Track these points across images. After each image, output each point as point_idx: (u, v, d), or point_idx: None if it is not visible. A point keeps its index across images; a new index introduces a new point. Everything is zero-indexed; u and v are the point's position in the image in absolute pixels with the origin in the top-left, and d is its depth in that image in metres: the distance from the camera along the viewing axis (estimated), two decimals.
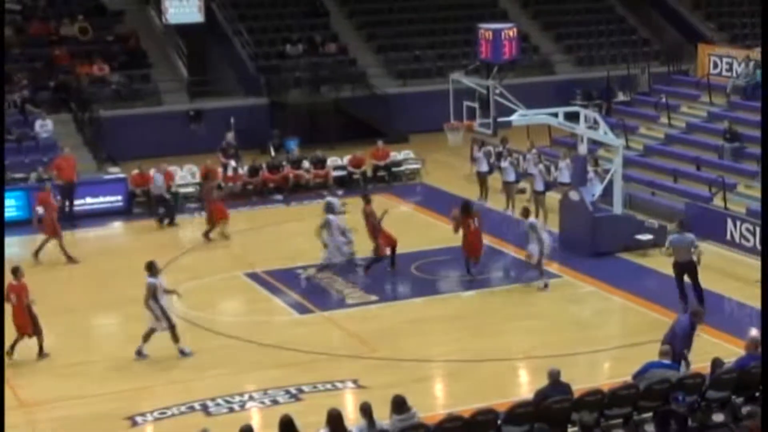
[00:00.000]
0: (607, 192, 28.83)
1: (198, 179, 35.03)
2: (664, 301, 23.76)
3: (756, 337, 18.08)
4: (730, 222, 28.50)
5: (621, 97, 41.67)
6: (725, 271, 26.48)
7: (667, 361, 17.88)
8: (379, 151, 37.05)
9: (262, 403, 19.98)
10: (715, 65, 36.64)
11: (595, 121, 29.14)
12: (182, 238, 30.95)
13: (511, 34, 28.13)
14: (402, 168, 37.49)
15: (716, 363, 17.86)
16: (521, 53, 30.65)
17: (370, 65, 44.97)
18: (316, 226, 26.48)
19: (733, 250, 28.02)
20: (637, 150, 34.89)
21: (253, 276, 27.18)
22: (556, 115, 28.92)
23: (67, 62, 41.24)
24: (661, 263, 24.06)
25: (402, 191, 35.82)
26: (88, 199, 33.31)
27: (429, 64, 44.86)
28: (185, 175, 35.32)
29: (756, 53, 34.27)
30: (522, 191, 33.22)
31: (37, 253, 28.89)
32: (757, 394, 16.59)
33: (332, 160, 36.88)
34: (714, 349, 19.96)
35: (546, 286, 25.67)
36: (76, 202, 32.92)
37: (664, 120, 36.06)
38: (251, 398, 20.19)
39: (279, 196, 35.00)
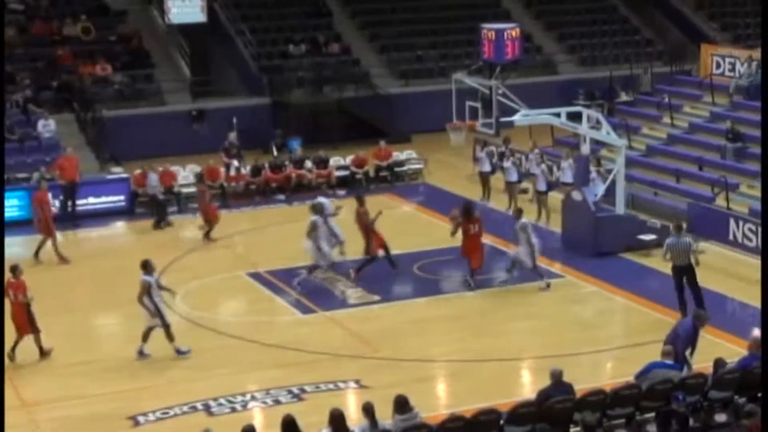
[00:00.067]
0: (610, 192, 28.83)
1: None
2: (666, 301, 23.73)
3: (758, 337, 18.07)
4: (732, 222, 28.48)
5: (624, 97, 41.62)
6: (728, 271, 26.48)
7: (669, 362, 17.89)
8: (382, 151, 37.03)
9: (265, 403, 19.98)
10: (718, 65, 36.61)
11: (598, 121, 29.13)
12: (184, 239, 30.93)
13: (513, 34, 28.14)
14: (404, 168, 37.47)
15: (719, 363, 17.86)
16: (524, 53, 30.62)
17: (372, 65, 44.96)
18: (307, 230, 26.29)
19: (736, 250, 28.01)
20: (639, 150, 34.89)
21: (256, 276, 27.19)
22: (558, 115, 28.94)
23: (69, 62, 41.25)
24: (664, 263, 24.03)
25: (404, 191, 35.81)
26: (91, 199, 33.30)
27: (432, 64, 44.85)
28: (188, 175, 35.29)
29: (759, 53, 34.24)
30: (524, 191, 33.23)
31: (37, 253, 28.90)
32: (760, 394, 16.56)
33: (335, 160, 36.87)
34: (716, 349, 19.94)
35: (548, 286, 25.66)
36: (79, 202, 32.92)
37: (666, 120, 36.05)
38: (253, 398, 20.19)
39: (281, 196, 35.00)
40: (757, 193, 29.30)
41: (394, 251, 27.59)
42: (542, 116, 29.27)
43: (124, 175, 34.41)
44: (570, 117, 28.88)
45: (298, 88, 42.77)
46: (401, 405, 15.84)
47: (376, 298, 25.57)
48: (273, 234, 31.27)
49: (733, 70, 35.88)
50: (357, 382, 20.74)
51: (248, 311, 25.51)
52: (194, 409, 19.68)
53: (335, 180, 36.12)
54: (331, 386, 20.58)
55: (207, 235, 30.44)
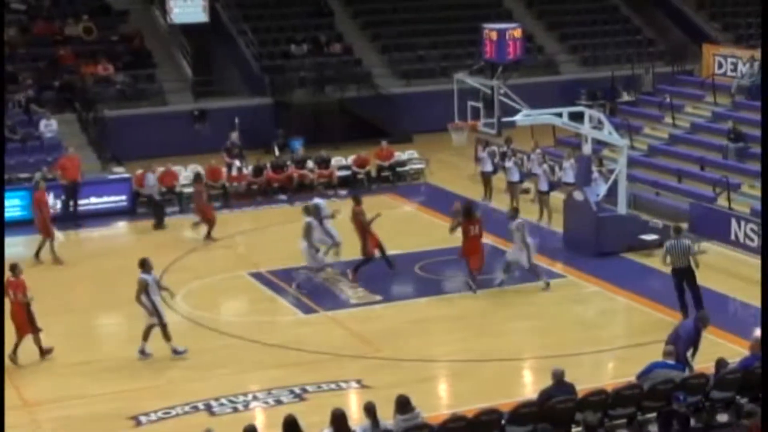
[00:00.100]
0: (612, 192, 28.84)
1: (203, 179, 35.04)
2: (668, 302, 23.71)
3: (760, 337, 18.06)
4: (734, 222, 28.48)
5: (625, 97, 41.67)
6: (729, 271, 26.48)
7: (671, 362, 17.89)
8: (384, 151, 37.03)
9: (266, 403, 19.99)
10: (720, 65, 36.63)
11: (600, 121, 29.13)
12: (186, 239, 30.91)
13: (515, 34, 28.18)
14: (406, 168, 37.47)
15: (720, 363, 17.85)
16: (526, 53, 30.64)
17: (374, 65, 44.96)
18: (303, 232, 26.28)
19: (737, 250, 28.01)
20: (641, 150, 34.89)
21: (257, 276, 27.18)
22: (560, 115, 28.93)
23: (71, 62, 41.26)
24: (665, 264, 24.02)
25: (406, 191, 35.82)
26: (93, 199, 33.31)
27: (433, 64, 44.85)
28: (189, 175, 35.26)
29: (760, 53, 34.24)
30: (526, 191, 33.24)
31: (38, 253, 28.91)
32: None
33: (336, 160, 36.87)
34: (718, 349, 19.93)
35: (548, 285, 25.65)
36: (81, 202, 32.93)
37: (668, 120, 36.06)
38: (255, 398, 20.20)
39: (283, 196, 35.00)
40: (759, 193, 29.29)
41: (395, 251, 27.60)
42: (544, 116, 29.27)
43: (126, 175, 34.43)
44: (572, 117, 28.88)
45: (300, 88, 42.77)
46: (403, 405, 15.84)
47: (378, 298, 25.57)
48: (275, 234, 31.26)
49: (734, 70, 35.91)
50: (358, 382, 20.74)
51: (250, 311, 25.52)
52: (196, 409, 19.68)
53: (337, 180, 36.12)
54: (332, 386, 20.58)
55: (209, 235, 30.44)
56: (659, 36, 49.27)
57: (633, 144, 33.99)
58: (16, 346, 21.89)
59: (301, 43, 44.42)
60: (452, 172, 37.06)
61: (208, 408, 19.69)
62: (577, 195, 28.63)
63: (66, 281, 27.69)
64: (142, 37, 43.54)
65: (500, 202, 32.91)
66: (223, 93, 43.00)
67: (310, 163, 36.29)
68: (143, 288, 21.85)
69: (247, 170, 35.72)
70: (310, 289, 26.01)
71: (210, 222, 30.56)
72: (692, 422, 16.75)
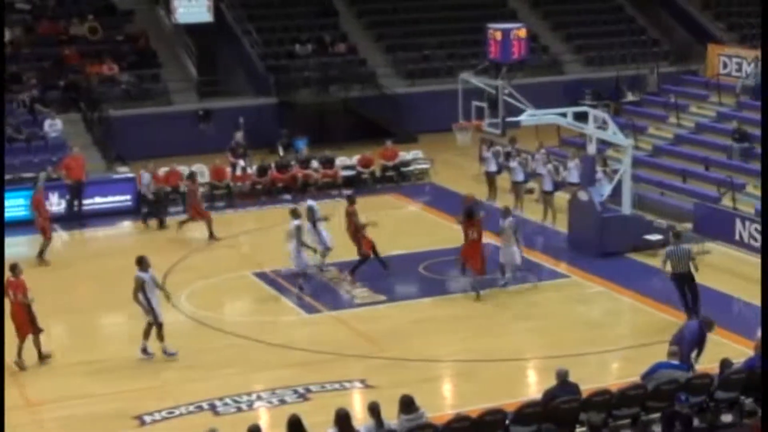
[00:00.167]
0: (616, 192, 28.82)
1: (207, 179, 35.12)
2: (672, 302, 23.69)
3: None
4: (738, 222, 28.46)
5: (630, 97, 41.63)
6: (734, 271, 26.46)
7: (675, 362, 17.87)
8: (388, 151, 37.05)
9: (270, 402, 19.99)
10: (725, 65, 36.60)
11: (604, 122, 29.11)
12: (190, 238, 30.92)
13: (520, 34, 28.14)
14: (411, 168, 37.46)
15: (725, 363, 17.83)
16: (530, 53, 30.65)
17: (379, 65, 44.96)
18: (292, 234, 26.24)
19: (742, 250, 27.98)
20: (646, 150, 34.87)
21: (261, 275, 27.17)
22: (565, 115, 28.91)
23: (76, 62, 41.30)
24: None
25: (411, 191, 35.82)
26: (97, 199, 33.36)
27: (438, 64, 44.85)
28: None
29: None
30: (530, 191, 33.22)
31: (41, 254, 28.91)
32: None
33: (341, 160, 36.88)
34: (722, 349, 19.91)
35: (538, 279, 25.59)
36: (85, 201, 32.97)
37: (673, 120, 36.03)
38: (259, 398, 20.21)
39: (288, 196, 34.98)
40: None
41: (400, 251, 27.63)
42: (548, 116, 29.25)
43: (131, 175, 34.43)
44: (576, 117, 28.87)
45: (305, 88, 42.79)
46: (407, 405, 15.83)
47: (382, 298, 25.57)
48: (279, 234, 30.98)
49: (739, 70, 35.89)
50: (363, 381, 20.74)
51: (254, 311, 25.52)
52: (200, 408, 19.69)
53: (341, 180, 36.13)
54: (336, 386, 20.59)
55: (211, 235, 30.44)
56: (664, 36, 49.23)
57: (637, 144, 33.95)
58: (20, 349, 21.78)
59: (306, 43, 44.43)
60: (456, 172, 37.04)
61: (212, 408, 19.70)
62: (582, 195, 28.61)
63: (70, 281, 27.72)
64: (147, 37, 43.58)
65: (504, 202, 32.83)
66: (227, 93, 43.03)
67: (314, 163, 36.31)
68: (140, 286, 21.81)
69: (252, 170, 35.73)
70: (315, 289, 26.02)
71: (207, 220, 30.58)
72: (696, 422, 16.74)
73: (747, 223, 28.15)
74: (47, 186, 32.39)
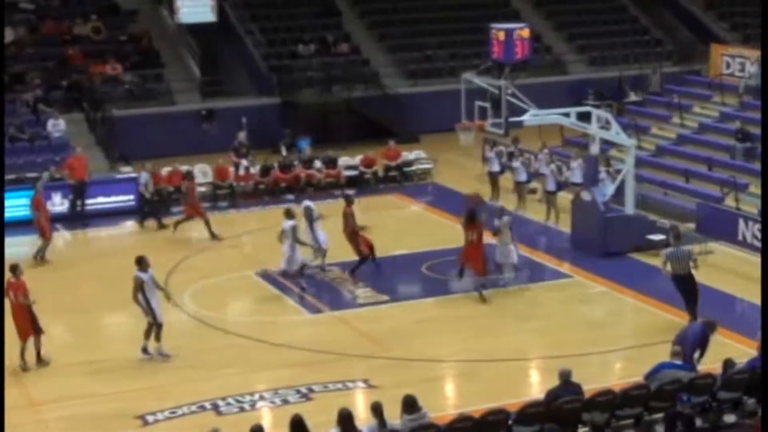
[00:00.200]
0: (619, 192, 28.80)
1: (210, 179, 35.15)
2: (675, 302, 23.63)
3: None
4: (741, 222, 28.43)
5: (633, 97, 41.62)
6: (737, 272, 26.44)
7: (678, 362, 17.86)
8: (391, 151, 37.06)
9: (273, 402, 19.98)
10: (728, 65, 36.59)
11: (607, 122, 29.10)
12: (194, 238, 30.93)
13: (523, 34, 28.13)
14: (413, 168, 37.47)
15: (728, 363, 17.82)
16: (533, 53, 30.62)
17: (381, 65, 44.96)
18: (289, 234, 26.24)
19: (745, 250, 27.96)
20: (649, 150, 34.87)
21: (264, 275, 27.18)
22: (568, 115, 28.91)
23: (80, 62, 41.33)
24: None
25: (413, 191, 35.82)
26: (100, 199, 33.36)
27: (441, 63, 44.85)
28: (197, 174, 35.31)
29: None
30: (533, 191, 33.21)
31: (43, 255, 28.91)
32: None
33: (344, 160, 36.88)
34: (725, 349, 19.89)
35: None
36: (88, 201, 32.99)
37: (676, 120, 36.03)
38: (262, 398, 20.20)
39: (290, 196, 34.97)
40: None
41: (402, 251, 27.66)
42: (551, 116, 29.25)
43: (134, 175, 34.38)
44: (579, 117, 28.87)
45: (308, 88, 42.80)
46: (410, 405, 15.84)
47: (385, 297, 25.55)
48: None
49: (742, 70, 35.86)
50: (365, 381, 20.73)
51: (256, 311, 25.51)
52: (203, 408, 19.69)
53: (344, 180, 36.13)
54: (339, 386, 20.58)
55: (212, 235, 30.46)
56: (667, 36, 49.21)
57: (641, 144, 33.92)
58: (23, 351, 21.72)
59: (309, 43, 44.44)
60: (459, 172, 37.03)
61: (215, 407, 19.70)
62: (585, 195, 28.60)
63: (73, 281, 27.74)
64: (150, 36, 43.61)
65: (507, 202, 32.86)
66: (230, 93, 43.02)
67: (317, 163, 36.32)
68: (139, 286, 21.73)
69: (255, 170, 35.74)
70: (318, 289, 26.03)
71: (204, 219, 30.60)
72: (699, 422, 16.72)
73: (750, 223, 28.12)
74: (50, 186, 32.47)
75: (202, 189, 34.81)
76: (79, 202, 32.86)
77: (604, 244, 27.87)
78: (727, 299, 24.49)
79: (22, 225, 29.93)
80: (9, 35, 41.30)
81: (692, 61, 43.97)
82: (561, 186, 31.61)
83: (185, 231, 31.00)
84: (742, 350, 20.36)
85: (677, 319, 22.70)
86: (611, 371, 21.41)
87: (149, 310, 21.80)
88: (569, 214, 29.55)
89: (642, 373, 17.84)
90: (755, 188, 30.44)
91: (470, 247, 25.14)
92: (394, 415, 15.83)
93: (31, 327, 21.68)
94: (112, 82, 41.02)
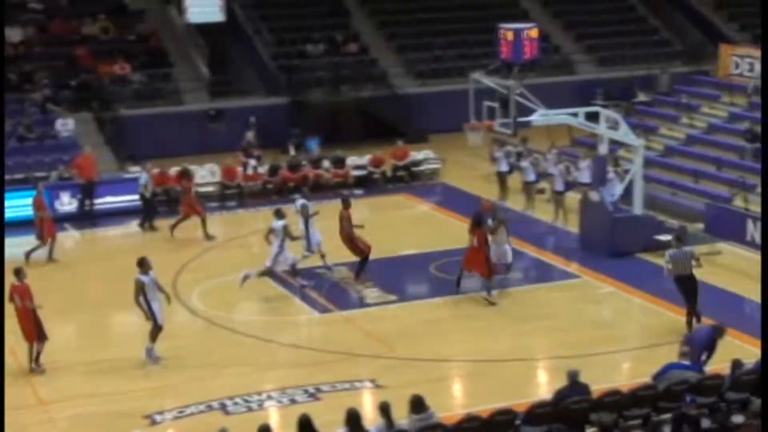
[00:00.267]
0: (628, 192, 28.77)
1: (219, 179, 35.18)
2: (683, 302, 23.60)
3: None
4: (750, 223, 28.38)
5: (642, 97, 41.56)
6: (745, 272, 26.38)
7: (686, 362, 17.84)
8: (399, 151, 37.05)
9: (280, 402, 19.99)
10: (737, 65, 36.53)
11: (616, 122, 29.06)
12: (201, 238, 30.93)
13: (531, 33, 28.09)
14: (422, 168, 37.45)
15: (736, 364, 17.80)
16: (542, 53, 30.58)
17: (390, 65, 44.96)
18: (293, 235, 26.17)
19: (753, 250, 27.87)
20: (657, 150, 34.83)
21: (272, 275, 27.15)
22: (576, 115, 28.88)
23: (88, 61, 41.38)
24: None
25: (421, 191, 35.81)
26: (109, 198, 33.37)
27: (449, 63, 44.84)
28: (205, 174, 35.40)
29: None
30: (542, 191, 33.19)
31: (51, 254, 28.95)
32: None
33: (352, 160, 36.87)
34: (733, 350, 19.85)
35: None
36: (97, 200, 33.02)
37: (685, 120, 35.97)
38: (269, 397, 20.20)
39: (297, 195, 34.93)
40: None
41: (410, 251, 27.64)
42: (560, 116, 29.22)
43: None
44: (588, 117, 28.84)
45: (316, 87, 42.81)
46: (417, 405, 15.83)
47: (393, 297, 25.55)
48: None
49: (751, 70, 35.80)
50: (373, 381, 20.73)
51: (264, 310, 25.50)
52: (210, 408, 19.69)
53: (352, 179, 36.13)
54: (347, 386, 20.58)
55: (206, 235, 30.57)
56: (676, 36, 49.14)
57: (649, 144, 33.86)
58: (30, 353, 21.63)
59: (318, 43, 44.45)
60: (468, 172, 37.03)
61: (223, 407, 19.70)
62: (593, 195, 28.58)
63: (81, 280, 27.78)
64: (158, 36, 43.67)
65: (516, 203, 32.88)
66: (239, 92, 43.04)
67: (325, 163, 36.32)
68: (140, 289, 21.59)
69: (263, 169, 35.74)
70: (326, 289, 26.05)
71: (201, 218, 30.65)
72: (707, 423, 16.70)
73: (758, 224, 28.05)
74: (59, 185, 32.54)
75: (210, 189, 34.91)
76: (87, 202, 32.91)
77: (613, 244, 27.84)
78: (735, 300, 24.45)
79: (29, 225, 29.88)
80: (18, 35, 41.41)
81: (701, 61, 43.92)
82: (569, 186, 31.59)
83: (192, 231, 31.00)
84: (750, 351, 20.36)
85: (685, 319, 22.63)
86: (619, 371, 21.39)
87: (150, 314, 21.69)
88: (577, 214, 29.53)
89: (650, 373, 17.83)
90: None
91: (472, 251, 25.03)
92: (401, 415, 15.82)
93: (35, 331, 21.48)
94: (120, 82, 41.08)
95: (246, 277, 25.47)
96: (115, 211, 33.18)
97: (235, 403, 19.82)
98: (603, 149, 29.03)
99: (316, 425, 15.35)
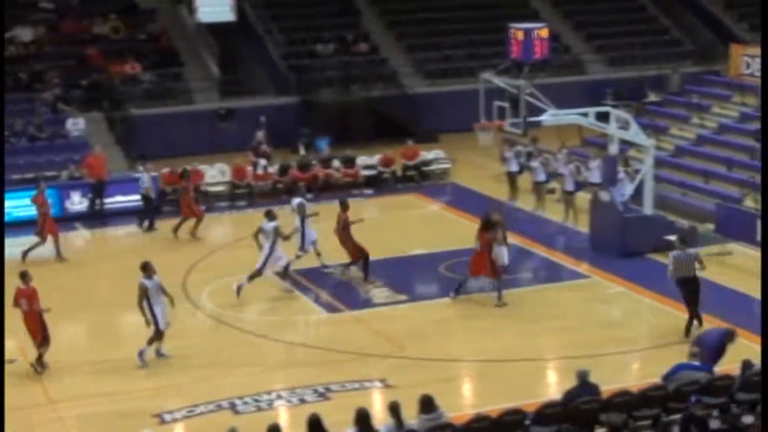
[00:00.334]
0: (638, 192, 28.74)
1: (228, 178, 35.20)
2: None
3: None
4: (760, 223, 28.30)
5: (652, 97, 41.50)
6: (755, 273, 26.20)
7: (696, 363, 17.81)
8: (409, 151, 37.04)
9: (290, 401, 19.99)
10: (748, 66, 36.45)
11: (627, 122, 29.03)
12: (210, 238, 30.98)
13: (542, 33, 28.07)
14: (432, 167, 37.44)
15: (746, 365, 17.77)
16: (552, 53, 30.55)
17: (400, 64, 44.95)
18: (285, 234, 26.15)
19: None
20: (668, 150, 34.78)
21: (282, 274, 27.15)
22: (586, 115, 28.85)
23: (99, 61, 41.43)
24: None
25: (432, 191, 35.79)
26: (119, 198, 33.40)
27: (459, 63, 44.81)
28: (215, 174, 35.44)
29: None
30: (552, 191, 33.15)
31: (58, 253, 28.98)
32: None
33: (362, 159, 36.87)
34: (743, 350, 19.80)
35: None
36: (107, 200, 33.06)
37: (695, 120, 35.92)
38: (279, 397, 20.21)
39: (309, 195, 34.93)
40: None
41: (420, 251, 27.65)
42: (570, 116, 29.18)
43: (153, 174, 34.43)
44: (598, 117, 28.80)
45: (326, 87, 42.81)
46: (427, 404, 15.82)
47: (403, 297, 25.55)
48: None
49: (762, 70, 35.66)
50: (382, 381, 20.72)
51: (274, 310, 25.49)
52: (220, 407, 19.71)
53: (362, 179, 36.12)
54: (356, 385, 20.58)
55: (190, 232, 30.61)
56: (687, 36, 49.05)
57: (660, 144, 33.80)
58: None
59: (328, 43, 44.46)
60: (478, 172, 37.02)
61: (232, 406, 19.71)
62: (603, 195, 28.55)
63: (91, 278, 27.83)
64: (169, 36, 43.71)
65: (526, 202, 32.85)
66: (249, 92, 43.04)
67: (335, 162, 36.33)
68: (143, 293, 21.51)
69: (273, 169, 35.76)
70: (335, 288, 26.05)
71: (198, 219, 30.66)
72: (717, 424, 16.66)
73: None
74: (69, 185, 32.62)
75: (220, 188, 34.95)
76: (98, 201, 32.97)
77: (623, 244, 27.81)
78: (745, 300, 24.37)
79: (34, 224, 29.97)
80: (28, 34, 41.49)
81: (712, 61, 43.84)
82: (579, 186, 31.56)
83: (199, 231, 31.00)
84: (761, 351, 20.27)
85: (686, 323, 22.57)
86: (629, 372, 21.36)
87: (152, 319, 21.59)
88: (587, 214, 29.50)
89: (660, 373, 17.81)
90: None
91: (476, 256, 24.95)
92: (411, 415, 15.81)
93: (41, 334, 21.39)
94: (131, 81, 41.13)
95: (240, 288, 25.37)
96: (125, 211, 33.18)
97: (245, 403, 19.83)
98: (613, 149, 29.00)
99: (325, 425, 15.35)
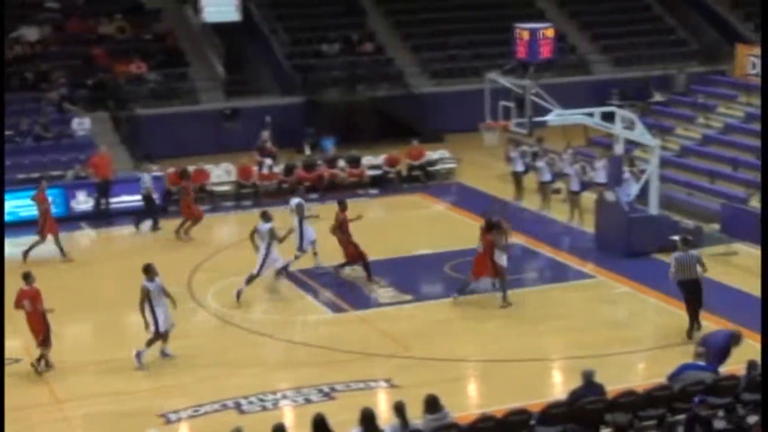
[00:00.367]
0: (643, 192, 28.72)
1: (234, 178, 35.22)
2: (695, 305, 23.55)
3: None
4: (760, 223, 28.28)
5: (658, 97, 41.46)
6: (761, 273, 26.28)
7: (702, 363, 17.79)
8: (415, 150, 37.02)
9: (295, 401, 20.00)
10: (753, 66, 36.40)
11: (632, 122, 29.01)
12: (216, 237, 30.98)
13: (547, 33, 28.09)
14: (437, 167, 37.42)
15: (751, 365, 17.74)
16: (557, 53, 30.53)
17: (406, 64, 44.93)
18: (281, 235, 26.14)
19: None
20: (673, 150, 34.75)
21: (287, 274, 27.16)
22: (592, 115, 28.83)
23: (104, 61, 41.44)
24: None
25: (437, 191, 35.78)
26: (124, 197, 33.39)
27: (465, 63, 44.80)
28: (221, 173, 35.45)
29: None
30: (557, 191, 33.14)
31: (62, 251, 28.99)
32: None
33: (367, 159, 36.86)
34: (749, 351, 19.76)
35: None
36: (112, 199, 33.06)
37: (701, 120, 35.88)
38: (284, 396, 20.22)
39: (314, 195, 34.96)
40: None
41: (425, 251, 27.63)
42: (576, 116, 29.17)
43: (158, 174, 34.46)
44: (604, 117, 28.79)
45: (332, 87, 42.80)
46: (432, 404, 15.82)
47: (408, 297, 25.54)
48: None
49: None
50: (388, 381, 20.72)
51: (279, 309, 25.50)
52: (225, 407, 19.71)
53: (368, 179, 36.12)
54: (361, 385, 20.58)
55: (184, 230, 30.71)
56: (692, 36, 49.00)
57: (665, 144, 33.77)
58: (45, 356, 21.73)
59: (333, 42, 44.46)
60: (483, 172, 37.01)
61: (238, 406, 19.72)
62: (609, 195, 28.53)
63: (96, 278, 27.84)
64: (174, 36, 43.72)
65: (531, 202, 32.84)
66: (254, 92, 43.04)
67: (340, 162, 36.33)
68: (145, 296, 21.50)
69: (278, 169, 35.77)
70: (341, 288, 26.03)
71: (196, 219, 30.67)
72: (723, 424, 16.64)
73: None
74: (75, 184, 32.63)
75: (226, 188, 34.96)
76: (103, 201, 32.97)
77: (628, 244, 27.79)
78: (751, 300, 24.31)
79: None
80: (34, 34, 41.52)
81: (717, 61, 43.78)
82: (585, 186, 31.54)
83: (206, 231, 31.04)
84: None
85: (701, 320, 22.58)
86: (634, 372, 21.35)
87: (153, 322, 21.54)
88: (593, 214, 29.48)
89: (665, 373, 17.80)
90: None
91: (478, 258, 24.92)
92: (416, 415, 15.81)
93: (43, 334, 21.36)
94: (136, 81, 41.14)
95: (239, 293, 25.34)
96: (130, 210, 33.14)
97: (250, 403, 19.84)
98: (619, 149, 28.97)
99: (330, 425, 15.36)
